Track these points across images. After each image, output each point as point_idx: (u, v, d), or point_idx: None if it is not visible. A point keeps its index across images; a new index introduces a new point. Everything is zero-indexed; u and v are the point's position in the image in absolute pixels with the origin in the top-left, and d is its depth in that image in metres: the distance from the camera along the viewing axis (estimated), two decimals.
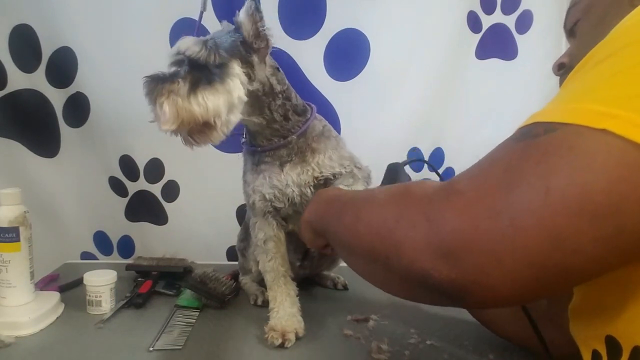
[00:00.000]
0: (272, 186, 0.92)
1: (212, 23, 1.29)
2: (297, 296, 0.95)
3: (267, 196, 0.93)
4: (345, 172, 0.94)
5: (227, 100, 0.81)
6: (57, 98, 1.34)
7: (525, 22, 1.41)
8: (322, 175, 0.92)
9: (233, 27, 0.86)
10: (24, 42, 1.28)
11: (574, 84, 0.45)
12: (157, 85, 0.79)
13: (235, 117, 0.83)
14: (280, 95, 0.90)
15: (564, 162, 0.39)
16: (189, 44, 0.80)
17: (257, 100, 0.88)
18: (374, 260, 0.51)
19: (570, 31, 0.70)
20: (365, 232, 0.54)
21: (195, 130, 0.81)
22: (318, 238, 0.77)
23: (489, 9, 1.40)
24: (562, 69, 0.75)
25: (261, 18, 0.84)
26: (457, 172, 1.46)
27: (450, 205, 0.43)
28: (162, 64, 1.17)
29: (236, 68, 0.82)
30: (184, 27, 1.26)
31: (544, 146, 0.40)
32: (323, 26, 1.33)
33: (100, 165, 1.38)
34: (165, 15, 1.28)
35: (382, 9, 1.34)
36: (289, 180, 0.92)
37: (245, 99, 0.83)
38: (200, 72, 0.80)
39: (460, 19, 1.39)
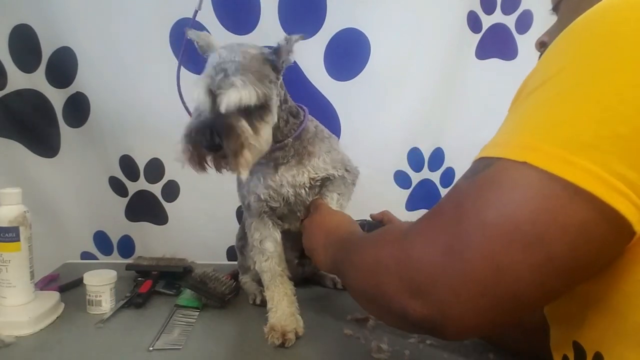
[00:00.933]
0: (267, 186, 0.93)
1: (212, 23, 1.30)
2: (294, 295, 0.95)
3: (262, 196, 0.93)
4: (338, 175, 0.96)
5: (272, 127, 0.83)
6: (57, 98, 1.34)
7: (525, 22, 1.41)
8: (318, 177, 0.94)
9: (254, 48, 0.83)
10: (24, 42, 1.28)
11: (512, 113, 0.48)
12: (227, 134, 0.76)
13: None
14: (283, 104, 0.90)
15: (494, 197, 0.42)
16: (246, 97, 0.76)
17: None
18: (366, 299, 0.58)
19: (555, 7, 0.71)
20: (354, 276, 0.61)
21: None
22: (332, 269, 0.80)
23: (489, 9, 1.40)
24: (544, 47, 0.77)
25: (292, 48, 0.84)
26: (457, 172, 1.47)
27: (413, 245, 0.47)
28: (162, 64, 1.19)
29: (275, 97, 0.83)
30: (183, 27, 1.25)
31: (480, 182, 0.44)
32: (323, 26, 1.33)
33: (101, 165, 1.38)
34: (165, 15, 1.28)
35: (382, 9, 1.34)
36: (284, 181, 0.92)
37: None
38: (249, 110, 0.79)
39: (460, 19, 1.38)
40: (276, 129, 0.88)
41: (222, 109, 0.75)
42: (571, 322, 0.50)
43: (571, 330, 0.50)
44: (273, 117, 0.83)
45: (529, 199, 0.40)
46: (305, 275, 1.13)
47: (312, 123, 0.96)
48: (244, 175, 0.80)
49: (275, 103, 0.84)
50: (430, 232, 0.46)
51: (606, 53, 0.41)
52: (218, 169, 0.80)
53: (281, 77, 0.87)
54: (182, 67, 1.22)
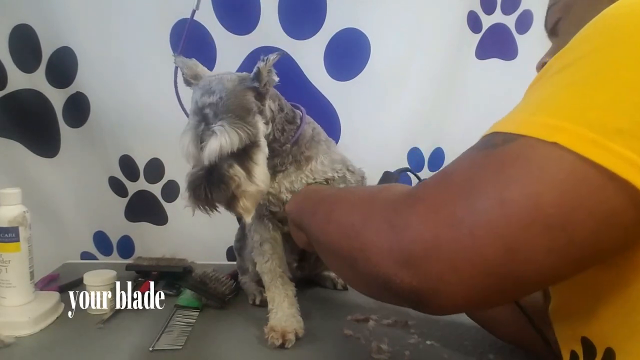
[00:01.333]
0: (266, 192, 0.91)
1: (212, 23, 1.30)
2: (295, 296, 0.95)
3: (261, 201, 0.92)
4: (338, 176, 0.94)
5: (265, 159, 0.82)
6: (57, 98, 1.34)
7: (525, 22, 1.41)
8: (315, 181, 0.92)
9: (232, 81, 0.81)
10: (24, 42, 1.28)
11: (534, 92, 0.47)
12: (219, 189, 0.76)
13: None
14: (278, 114, 0.88)
15: (518, 174, 0.40)
16: (227, 145, 0.75)
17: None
18: (342, 259, 0.53)
19: (552, 30, 0.70)
20: (334, 232, 0.56)
21: None
22: (299, 232, 0.80)
23: (489, 9, 1.40)
24: None
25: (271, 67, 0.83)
26: None
27: (412, 211, 0.44)
28: (162, 64, 1.18)
29: (260, 126, 0.82)
30: (184, 27, 1.25)
31: (501, 156, 0.42)
32: (323, 26, 1.33)
33: (100, 165, 1.38)
34: (165, 15, 1.28)
35: (382, 9, 1.34)
36: (282, 187, 0.91)
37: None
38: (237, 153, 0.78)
39: (460, 19, 1.38)
40: (272, 140, 0.87)
41: (205, 160, 0.75)
42: (580, 317, 0.49)
43: (580, 326, 0.49)
44: (263, 151, 0.82)
45: (558, 181, 0.38)
46: (304, 275, 1.13)
47: (309, 126, 0.94)
48: (248, 220, 0.81)
49: (263, 134, 0.82)
50: (435, 200, 0.43)
51: None
52: (216, 211, 0.80)
53: (267, 99, 0.84)
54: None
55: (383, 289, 0.45)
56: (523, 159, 0.40)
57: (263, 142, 0.82)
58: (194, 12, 1.00)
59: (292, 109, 0.93)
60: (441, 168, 0.48)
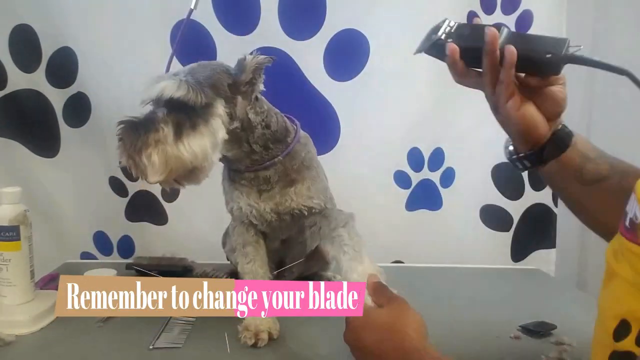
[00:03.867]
0: (250, 204, 0.91)
1: (212, 23, 1.30)
2: None
3: (243, 209, 0.92)
4: (318, 210, 0.91)
5: (212, 142, 0.79)
6: (57, 98, 1.34)
7: (525, 22, 1.41)
8: (304, 207, 0.90)
9: (218, 64, 0.82)
10: (24, 42, 1.29)
11: None
12: (138, 134, 0.74)
13: (217, 157, 0.82)
14: (259, 126, 0.86)
15: None
16: (171, 87, 0.75)
17: (235, 136, 0.84)
18: None
19: None
20: None
21: (182, 176, 0.80)
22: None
23: (489, 9, 1.40)
24: None
25: (261, 74, 0.83)
26: (457, 172, 1.47)
27: None
28: (163, 64, 1.18)
29: (220, 108, 0.80)
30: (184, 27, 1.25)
31: None
32: (323, 26, 1.33)
33: (101, 165, 1.39)
34: (165, 15, 1.28)
35: (382, 9, 1.34)
36: (267, 207, 0.90)
37: (226, 137, 0.81)
38: (181, 114, 0.77)
39: (460, 19, 1.38)
40: (251, 154, 0.86)
41: (153, 92, 0.76)
42: None
43: None
44: (213, 133, 0.78)
45: None
46: (301, 274, 1.13)
47: (303, 148, 0.92)
48: (150, 179, 0.76)
49: (219, 118, 0.79)
50: None
51: None
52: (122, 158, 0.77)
53: (239, 98, 0.83)
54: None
55: None
56: None
57: (216, 123, 0.79)
58: (191, 11, 1.00)
59: (285, 126, 0.90)
60: None
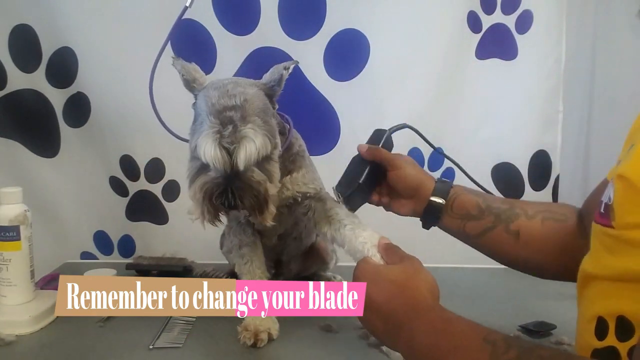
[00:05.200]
0: None
1: (212, 23, 1.30)
2: None
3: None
4: (313, 193, 0.92)
5: (278, 154, 0.81)
6: (57, 98, 1.34)
7: (525, 22, 1.41)
8: (298, 194, 0.91)
9: (251, 86, 0.81)
10: (24, 42, 1.29)
11: None
12: (246, 193, 0.73)
13: None
14: None
15: None
16: (263, 148, 0.74)
17: None
18: None
19: None
20: None
21: None
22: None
23: (489, 9, 1.40)
24: None
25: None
26: (457, 172, 1.47)
27: None
28: (163, 64, 1.18)
29: (277, 129, 0.82)
30: (184, 28, 1.25)
31: None
32: (323, 26, 1.33)
33: (101, 165, 1.39)
34: (166, 15, 1.28)
35: (382, 9, 1.34)
36: None
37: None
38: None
39: (460, 19, 1.39)
40: None
41: (241, 165, 0.72)
42: None
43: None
44: (279, 151, 0.81)
45: None
46: (300, 274, 1.13)
47: (296, 141, 0.94)
48: (270, 223, 0.78)
49: (278, 137, 0.82)
50: None
51: None
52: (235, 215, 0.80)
53: (277, 106, 0.85)
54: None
55: None
56: None
57: (278, 141, 0.82)
58: (185, 8, 1.00)
59: (282, 121, 0.92)
60: None
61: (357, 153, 0.97)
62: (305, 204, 0.92)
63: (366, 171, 0.93)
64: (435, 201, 0.90)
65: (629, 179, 0.52)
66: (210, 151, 0.72)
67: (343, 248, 0.87)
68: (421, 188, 0.91)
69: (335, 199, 0.93)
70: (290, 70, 0.81)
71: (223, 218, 0.82)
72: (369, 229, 0.85)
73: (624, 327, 0.52)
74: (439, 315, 0.62)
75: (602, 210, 0.57)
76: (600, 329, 0.55)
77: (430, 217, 0.91)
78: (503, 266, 0.95)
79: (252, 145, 0.72)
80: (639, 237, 0.50)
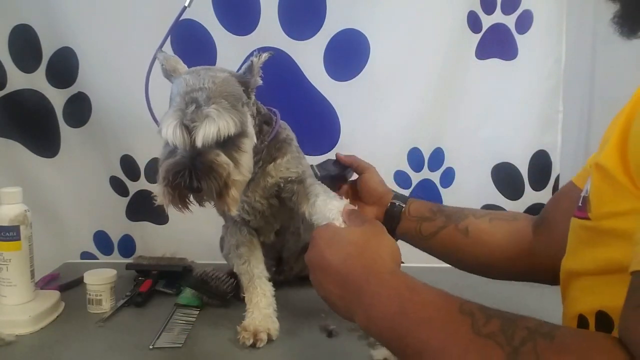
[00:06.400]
0: (241, 201, 0.90)
1: (212, 23, 1.30)
2: (273, 297, 0.94)
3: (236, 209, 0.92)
4: (296, 175, 0.91)
5: (251, 152, 0.79)
6: (57, 98, 1.34)
7: (525, 22, 1.41)
8: (281, 179, 0.90)
9: (222, 71, 0.80)
10: (24, 42, 1.29)
11: None
12: (211, 179, 0.72)
13: None
14: (256, 116, 0.87)
15: None
16: (225, 128, 0.72)
17: None
18: None
19: None
20: None
21: None
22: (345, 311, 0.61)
23: (489, 9, 1.40)
24: None
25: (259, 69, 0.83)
26: (457, 172, 1.47)
27: None
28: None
29: (249, 118, 0.81)
30: (184, 28, 1.26)
31: None
32: (323, 26, 1.33)
33: (101, 165, 1.39)
34: (166, 15, 1.28)
35: (382, 9, 1.34)
36: (257, 196, 0.91)
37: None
38: (227, 141, 0.75)
39: (460, 19, 1.39)
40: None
41: (199, 143, 0.71)
42: None
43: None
44: (252, 141, 0.80)
45: None
46: (284, 278, 1.13)
47: (283, 131, 0.94)
48: (234, 212, 0.76)
49: (250, 126, 0.81)
50: None
51: None
52: (201, 204, 0.76)
53: (253, 97, 0.84)
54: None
55: None
56: None
57: (251, 131, 0.81)
58: (184, 8, 1.00)
59: (268, 112, 0.92)
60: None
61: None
62: (287, 188, 0.91)
63: (337, 170, 1.06)
64: (396, 203, 1.00)
65: (604, 167, 0.51)
66: (170, 130, 0.72)
67: (316, 220, 0.84)
68: (384, 196, 1.02)
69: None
70: (261, 60, 0.81)
71: (194, 208, 0.78)
72: (342, 200, 0.82)
73: (603, 323, 0.52)
74: (402, 281, 0.56)
75: (579, 204, 0.57)
76: (581, 327, 0.55)
77: (391, 220, 0.99)
78: None
79: (213, 124, 0.71)
80: (616, 226, 0.50)
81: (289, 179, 0.91)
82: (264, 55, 0.81)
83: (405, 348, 0.50)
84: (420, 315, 0.50)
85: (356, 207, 0.79)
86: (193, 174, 0.70)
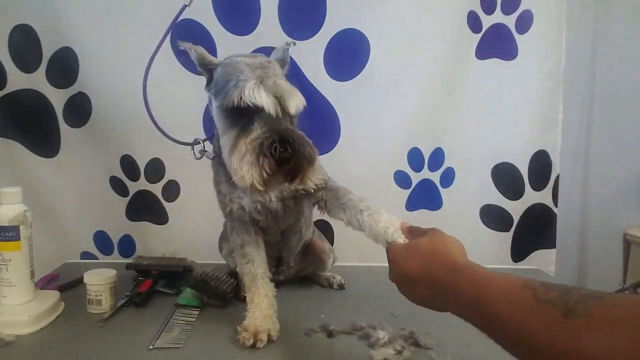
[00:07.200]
0: (254, 200, 0.91)
1: (212, 23, 1.30)
2: (274, 297, 0.94)
3: (246, 208, 0.92)
4: (325, 182, 0.91)
5: None
6: (57, 98, 1.34)
7: (525, 22, 1.41)
8: (304, 189, 0.90)
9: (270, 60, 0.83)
10: (24, 42, 1.29)
11: None
12: (301, 143, 0.73)
13: None
14: None
15: None
16: (302, 101, 0.75)
17: None
18: None
19: None
20: None
21: None
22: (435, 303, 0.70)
23: (489, 9, 1.40)
24: None
25: None
26: (457, 172, 1.47)
27: None
28: (163, 64, 1.18)
29: None
30: (184, 28, 1.26)
31: None
32: (323, 26, 1.33)
33: (101, 165, 1.39)
34: (166, 15, 1.28)
35: (382, 9, 1.34)
36: (272, 196, 0.91)
37: None
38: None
39: (460, 19, 1.39)
40: None
41: (292, 110, 0.73)
42: None
43: None
44: None
45: None
46: (285, 278, 1.13)
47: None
48: (312, 184, 0.78)
49: None
50: None
51: None
52: (282, 181, 0.76)
53: None
54: (182, 66, 1.23)
55: None
56: None
57: None
58: (184, 7, 1.00)
59: None
60: None
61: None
62: (317, 195, 0.92)
63: None
64: None
65: None
66: (263, 96, 0.72)
67: (364, 232, 0.85)
68: None
69: None
70: (290, 47, 0.86)
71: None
72: (384, 213, 0.84)
73: None
74: (475, 271, 0.65)
75: None
76: None
77: None
78: (503, 266, 0.95)
79: (299, 96, 0.74)
80: None
81: (319, 185, 0.91)
82: (292, 43, 0.86)
83: (489, 324, 0.58)
84: (493, 294, 0.59)
85: (409, 224, 0.82)
86: (287, 145, 0.71)
